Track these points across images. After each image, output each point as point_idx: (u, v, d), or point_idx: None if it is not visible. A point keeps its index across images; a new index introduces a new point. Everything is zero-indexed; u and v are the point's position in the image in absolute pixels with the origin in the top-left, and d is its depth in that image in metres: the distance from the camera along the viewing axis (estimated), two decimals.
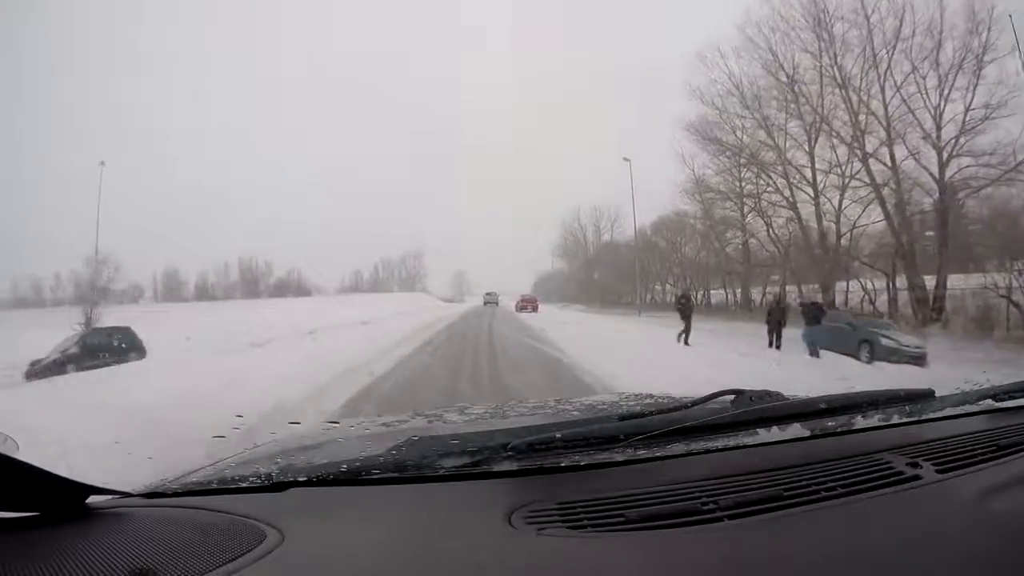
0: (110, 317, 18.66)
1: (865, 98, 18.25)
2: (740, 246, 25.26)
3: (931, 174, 17.04)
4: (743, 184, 23.51)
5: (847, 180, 19.31)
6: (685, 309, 13.29)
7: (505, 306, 35.74)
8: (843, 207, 19.67)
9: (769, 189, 22.12)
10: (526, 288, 47.16)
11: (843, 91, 18.62)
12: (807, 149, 20.41)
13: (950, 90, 16.74)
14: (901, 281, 17.55)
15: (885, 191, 17.76)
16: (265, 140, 75.38)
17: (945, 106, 16.92)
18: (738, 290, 27.23)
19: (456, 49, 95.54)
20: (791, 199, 21.20)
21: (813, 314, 11.62)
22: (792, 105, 19.95)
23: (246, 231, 68.50)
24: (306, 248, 71.40)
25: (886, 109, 17.69)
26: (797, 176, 20.80)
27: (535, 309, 30.43)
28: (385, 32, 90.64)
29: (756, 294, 24.54)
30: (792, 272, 21.30)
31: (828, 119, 19.20)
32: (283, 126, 79.87)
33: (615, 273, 38.57)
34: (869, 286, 19.03)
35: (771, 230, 22.72)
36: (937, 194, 16.85)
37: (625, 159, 29.81)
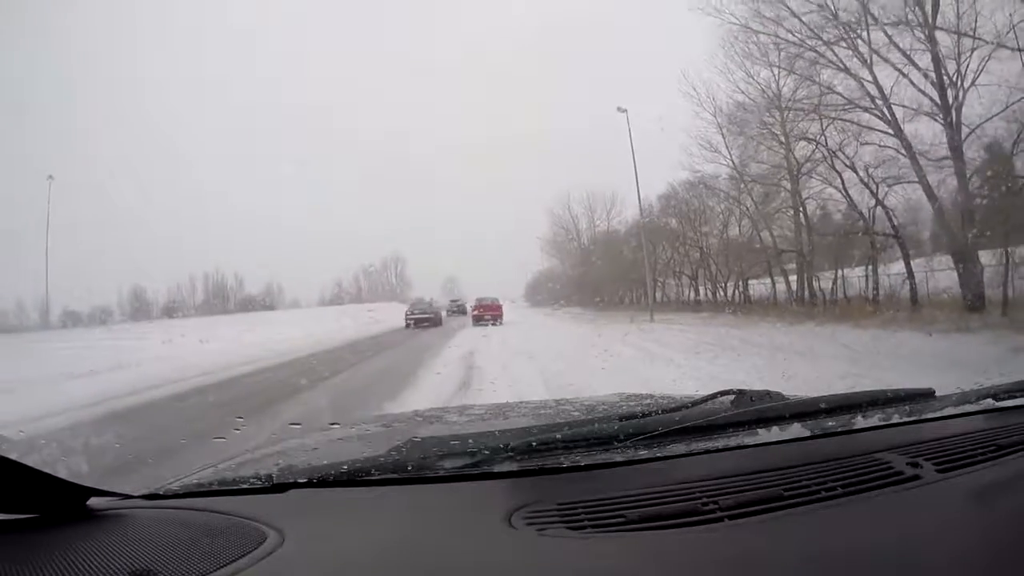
0: None
1: None
2: (792, 211, 16.29)
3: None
4: (792, 103, 13.84)
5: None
6: None
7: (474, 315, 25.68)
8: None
9: (844, 104, 12.40)
10: (518, 291, 39.59)
11: None
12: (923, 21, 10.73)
13: None
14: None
15: None
16: (239, 151, 69.59)
17: None
18: (792, 277, 17.85)
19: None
20: (890, 117, 11.70)
21: None
22: None
23: (220, 245, 63.25)
24: (285, 260, 65.88)
25: None
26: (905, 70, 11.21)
27: (497, 318, 20.45)
28: (357, 34, 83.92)
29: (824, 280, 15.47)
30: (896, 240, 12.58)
31: None
32: (257, 138, 73.73)
33: (615, 267, 29.43)
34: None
35: (866, 174, 12.41)
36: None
37: (620, 109, 20.90)
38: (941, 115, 10.97)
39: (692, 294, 22.67)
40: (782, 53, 13.65)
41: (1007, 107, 10.31)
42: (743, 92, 15.39)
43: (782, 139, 15.23)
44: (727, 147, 17.27)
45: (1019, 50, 10.03)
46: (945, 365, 6.23)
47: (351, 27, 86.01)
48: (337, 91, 79.04)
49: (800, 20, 12.55)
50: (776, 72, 14.40)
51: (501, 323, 19.89)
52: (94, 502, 0.79)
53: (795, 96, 14.15)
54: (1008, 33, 10.13)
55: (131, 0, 56.07)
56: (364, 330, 18.88)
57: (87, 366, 9.46)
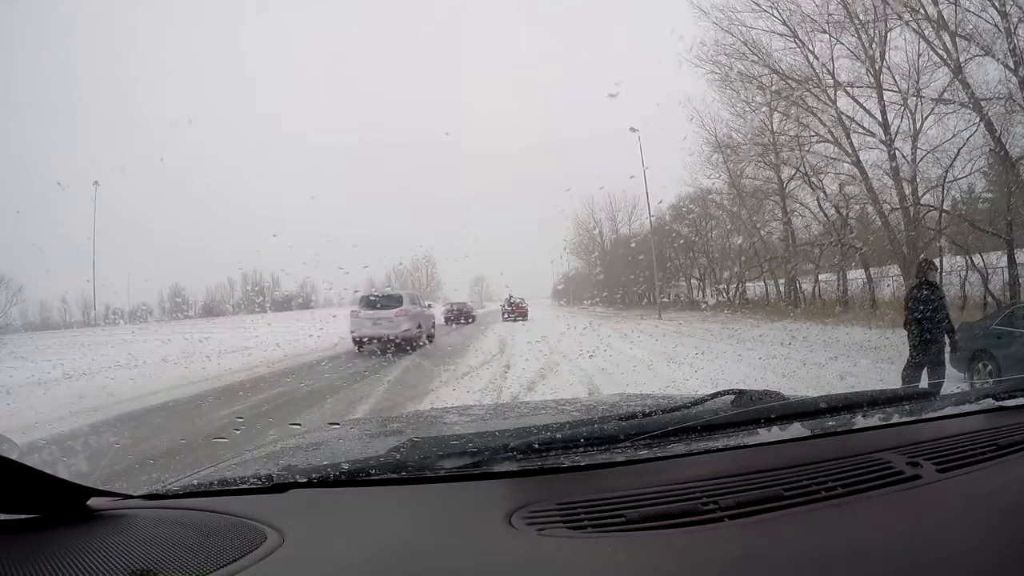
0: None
1: None
2: (781, 224, 19.18)
3: None
4: (777, 136, 17.19)
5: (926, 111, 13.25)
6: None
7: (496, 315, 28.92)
8: (918, 157, 13.58)
9: (813, 138, 15.89)
10: (545, 291, 42.14)
11: None
12: (870, 67, 14.17)
13: None
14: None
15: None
16: (269, 155, 72.54)
17: None
18: (781, 281, 20.84)
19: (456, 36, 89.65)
20: (851, 149, 14.99)
21: None
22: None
23: (257, 246, 66.07)
24: (318, 260, 67.91)
25: None
26: (855, 112, 14.70)
27: (523, 316, 24.48)
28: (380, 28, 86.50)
29: (806, 283, 18.41)
30: (856, 251, 15.37)
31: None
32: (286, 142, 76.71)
33: (632, 270, 32.36)
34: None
35: (822, 195, 16.43)
36: None
37: (632, 129, 23.71)
38: (887, 150, 13.79)
39: (700, 294, 25.67)
40: (767, 93, 16.56)
41: (936, 145, 13.12)
42: (741, 116, 18.37)
43: (772, 159, 18.07)
44: (726, 165, 20.16)
45: (948, 102, 12.79)
46: (856, 348, 8.99)
47: (383, 38, 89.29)
48: (371, 96, 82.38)
49: (776, 73, 15.49)
50: (768, 107, 17.32)
51: (527, 320, 23.76)
52: (94, 502, 0.79)
53: (783, 127, 17.08)
54: (949, 85, 12.87)
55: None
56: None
57: (232, 346, 12.60)
